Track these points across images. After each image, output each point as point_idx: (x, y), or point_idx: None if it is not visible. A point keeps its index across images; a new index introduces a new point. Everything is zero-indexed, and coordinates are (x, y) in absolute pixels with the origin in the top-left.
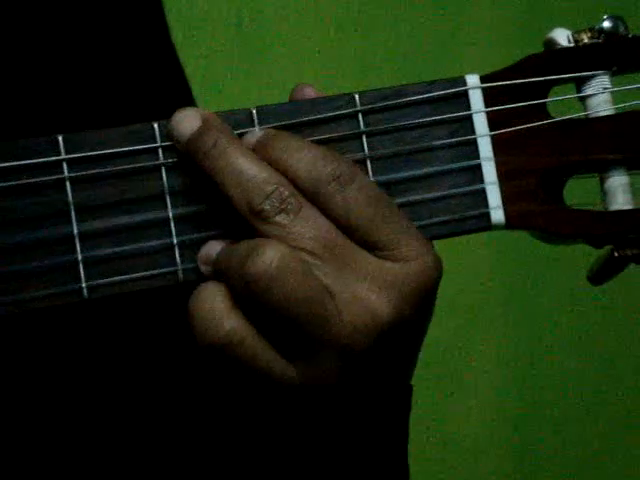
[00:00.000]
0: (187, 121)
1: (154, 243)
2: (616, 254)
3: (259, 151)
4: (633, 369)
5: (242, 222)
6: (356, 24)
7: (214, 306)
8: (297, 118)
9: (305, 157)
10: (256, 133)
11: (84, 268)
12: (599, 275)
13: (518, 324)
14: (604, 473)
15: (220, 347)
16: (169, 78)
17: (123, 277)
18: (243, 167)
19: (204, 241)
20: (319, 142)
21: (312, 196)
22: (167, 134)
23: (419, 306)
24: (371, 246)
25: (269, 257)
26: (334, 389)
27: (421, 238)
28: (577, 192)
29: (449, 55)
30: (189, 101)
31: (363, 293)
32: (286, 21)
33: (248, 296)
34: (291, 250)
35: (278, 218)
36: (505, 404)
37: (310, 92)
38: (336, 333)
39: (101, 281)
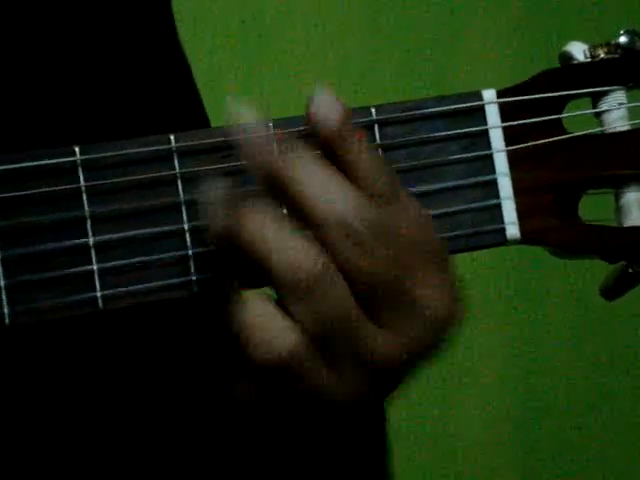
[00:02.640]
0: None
1: (169, 254)
2: (630, 270)
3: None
4: (637, 370)
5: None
6: (360, 21)
7: (269, 319)
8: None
9: (343, 205)
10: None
11: (99, 278)
12: (612, 290)
13: (521, 325)
14: (606, 474)
15: (278, 366)
16: (179, 85)
17: (138, 288)
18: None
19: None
20: None
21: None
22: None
23: (449, 334)
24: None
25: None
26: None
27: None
28: (591, 208)
29: (453, 46)
30: (199, 108)
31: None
32: (289, 18)
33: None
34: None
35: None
36: (508, 405)
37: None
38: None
39: (116, 291)
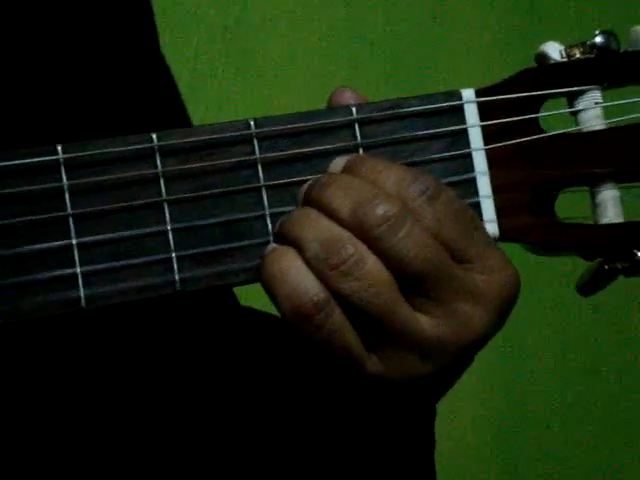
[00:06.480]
0: None
1: (152, 253)
2: (606, 267)
3: (348, 174)
4: (616, 373)
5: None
6: (344, 27)
7: (300, 272)
8: (295, 129)
9: (392, 175)
10: (341, 158)
11: (82, 278)
12: (588, 286)
13: (502, 334)
14: (588, 477)
15: (306, 315)
16: (160, 88)
17: (121, 287)
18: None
19: (202, 252)
20: (317, 153)
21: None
22: None
23: (504, 317)
24: (458, 258)
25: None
26: (400, 387)
27: (501, 251)
28: (567, 206)
29: (436, 54)
30: (180, 109)
31: (458, 307)
32: (273, 24)
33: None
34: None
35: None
36: (490, 408)
37: (348, 96)
38: (426, 336)
39: (99, 291)
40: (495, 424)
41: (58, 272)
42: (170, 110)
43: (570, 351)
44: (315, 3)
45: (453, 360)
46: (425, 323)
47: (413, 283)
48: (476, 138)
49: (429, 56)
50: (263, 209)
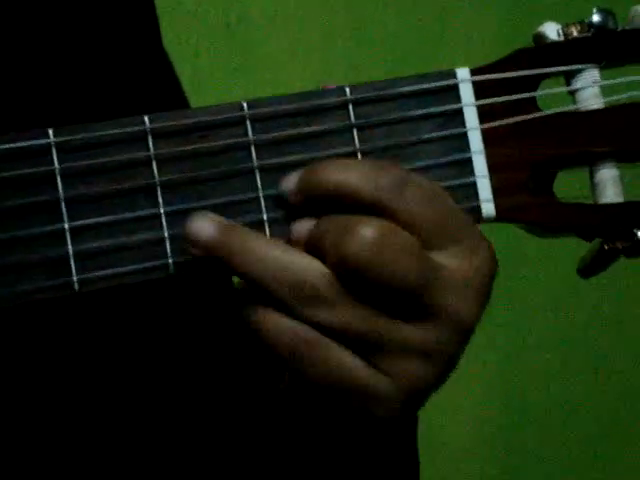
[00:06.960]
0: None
1: (145, 236)
2: (606, 247)
3: (307, 182)
4: (617, 371)
5: None
6: (344, 24)
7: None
8: (289, 110)
9: (355, 172)
10: (293, 174)
11: (75, 261)
12: (589, 268)
13: (502, 325)
14: (588, 475)
15: (298, 353)
16: (160, 78)
17: (114, 270)
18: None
19: None
20: (311, 134)
21: (373, 208)
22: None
23: (488, 296)
24: (436, 245)
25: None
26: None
27: (476, 228)
28: (566, 185)
29: (437, 53)
30: (181, 99)
31: (447, 303)
32: (274, 20)
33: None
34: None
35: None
36: (490, 406)
37: None
38: (424, 337)
39: (92, 274)
40: (495, 424)
41: (51, 256)
42: (172, 105)
43: (570, 351)
44: (315, 3)
45: (455, 361)
46: (421, 332)
47: (409, 299)
48: (471, 117)
49: (429, 55)
50: (257, 191)
